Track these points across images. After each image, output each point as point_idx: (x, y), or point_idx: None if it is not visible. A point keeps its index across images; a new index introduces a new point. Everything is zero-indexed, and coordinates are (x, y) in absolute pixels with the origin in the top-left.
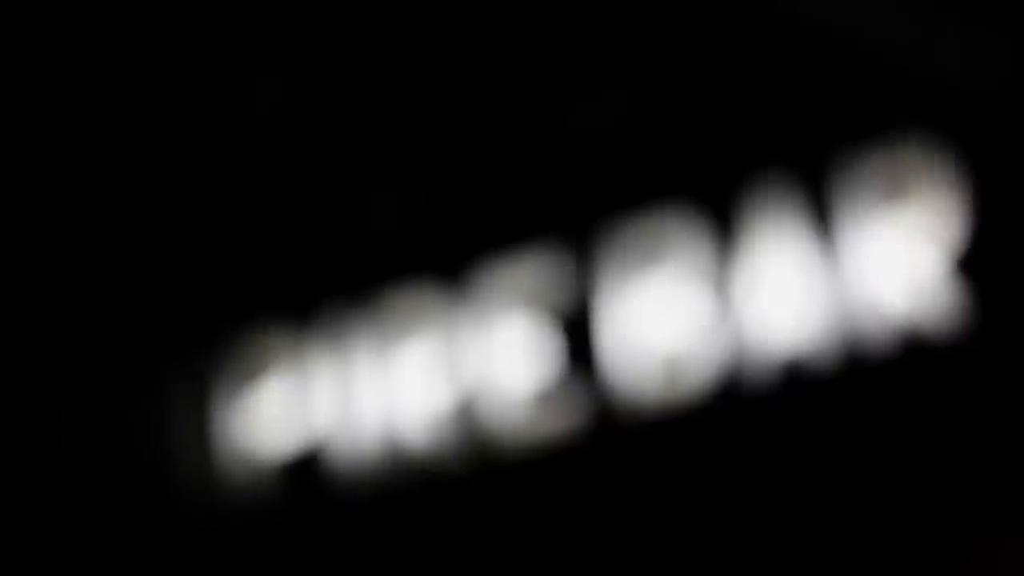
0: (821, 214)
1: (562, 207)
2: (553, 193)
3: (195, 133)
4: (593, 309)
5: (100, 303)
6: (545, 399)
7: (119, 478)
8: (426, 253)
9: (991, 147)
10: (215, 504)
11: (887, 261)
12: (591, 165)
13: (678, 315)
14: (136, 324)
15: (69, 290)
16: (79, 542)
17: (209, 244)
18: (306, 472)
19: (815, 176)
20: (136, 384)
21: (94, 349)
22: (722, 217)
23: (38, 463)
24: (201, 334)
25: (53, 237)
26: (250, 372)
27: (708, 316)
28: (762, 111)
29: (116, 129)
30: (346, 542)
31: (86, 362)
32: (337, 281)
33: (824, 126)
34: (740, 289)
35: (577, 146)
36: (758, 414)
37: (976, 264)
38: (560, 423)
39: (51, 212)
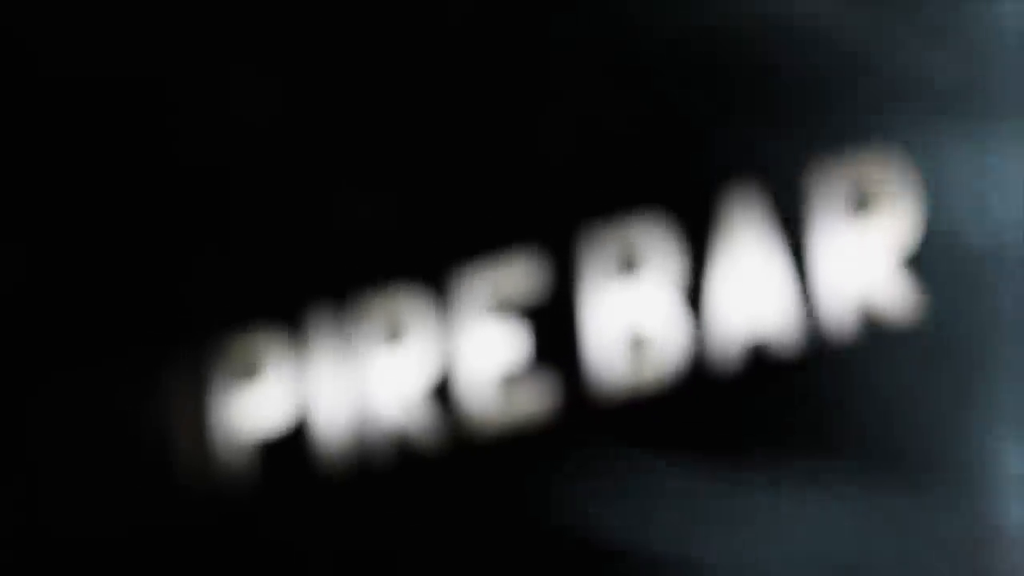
0: (788, 217)
1: (538, 213)
2: (528, 199)
3: (187, 134)
4: (568, 303)
5: (103, 300)
6: (521, 383)
7: (119, 463)
8: (408, 255)
9: (944, 156)
10: (209, 484)
11: (849, 259)
12: (567, 171)
13: (650, 308)
14: (136, 320)
15: (75, 284)
16: (78, 523)
17: (205, 244)
18: (293, 454)
19: (783, 181)
20: (137, 376)
21: (96, 342)
22: (694, 221)
23: (41, 449)
24: (198, 329)
25: (54, 236)
26: (244, 364)
27: (679, 309)
28: (734, 123)
29: (110, 127)
30: (330, 520)
31: (88, 354)
32: (328, 276)
33: (791, 135)
34: (710, 285)
35: (553, 153)
36: (725, 398)
37: (927, 262)
38: (534, 406)
39: (49, 212)
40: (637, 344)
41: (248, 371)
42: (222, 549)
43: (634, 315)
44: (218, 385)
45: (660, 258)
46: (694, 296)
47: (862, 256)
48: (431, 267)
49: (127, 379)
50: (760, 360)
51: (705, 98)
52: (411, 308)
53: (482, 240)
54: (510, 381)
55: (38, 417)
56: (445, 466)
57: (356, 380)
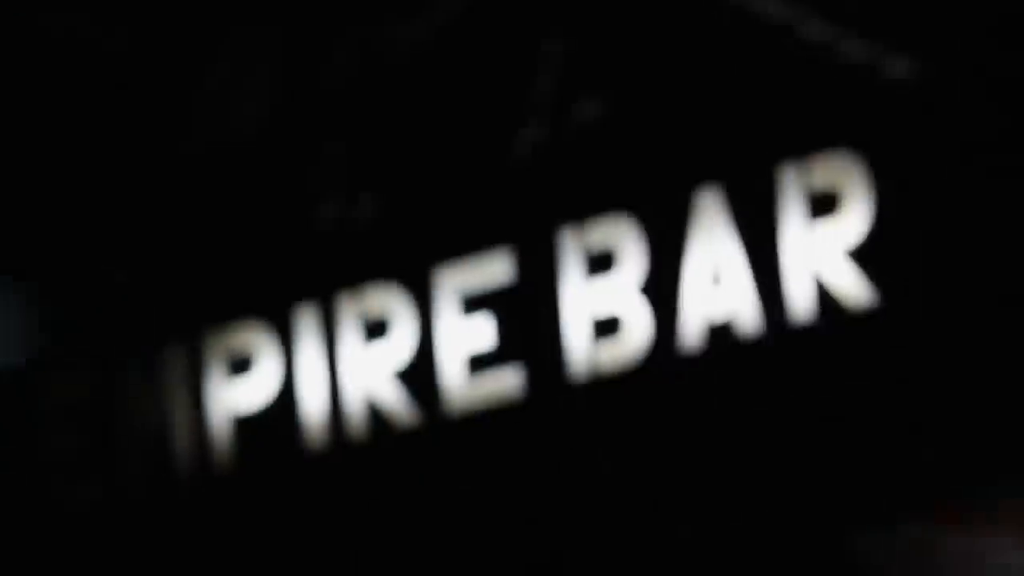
0: (752, 213)
1: (515, 214)
2: (504, 202)
3: (179, 137)
4: (540, 293)
5: (106, 295)
6: (494, 366)
7: (123, 446)
8: (391, 255)
9: (897, 156)
10: (206, 461)
11: (807, 252)
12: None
13: (619, 299)
14: (139, 315)
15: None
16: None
17: (201, 243)
18: (280, 435)
19: (745, 181)
20: (140, 367)
21: (100, 335)
22: (662, 220)
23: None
24: (195, 323)
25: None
26: (237, 354)
27: (647, 299)
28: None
29: (102, 128)
30: (316, 492)
31: (94, 347)
32: (316, 274)
33: (753, 138)
34: (677, 276)
35: (527, 157)
36: (688, 376)
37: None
38: (504, 387)
39: (54, 208)
40: (608, 329)
41: (239, 361)
42: (214, 523)
43: (604, 305)
44: (212, 373)
45: (629, 255)
46: (663, 287)
47: (818, 250)
48: (414, 266)
49: (130, 368)
50: (721, 342)
51: (670, 104)
52: (392, 304)
53: (458, 241)
54: (487, 364)
55: (49, 404)
56: (424, 439)
57: (339, 368)
